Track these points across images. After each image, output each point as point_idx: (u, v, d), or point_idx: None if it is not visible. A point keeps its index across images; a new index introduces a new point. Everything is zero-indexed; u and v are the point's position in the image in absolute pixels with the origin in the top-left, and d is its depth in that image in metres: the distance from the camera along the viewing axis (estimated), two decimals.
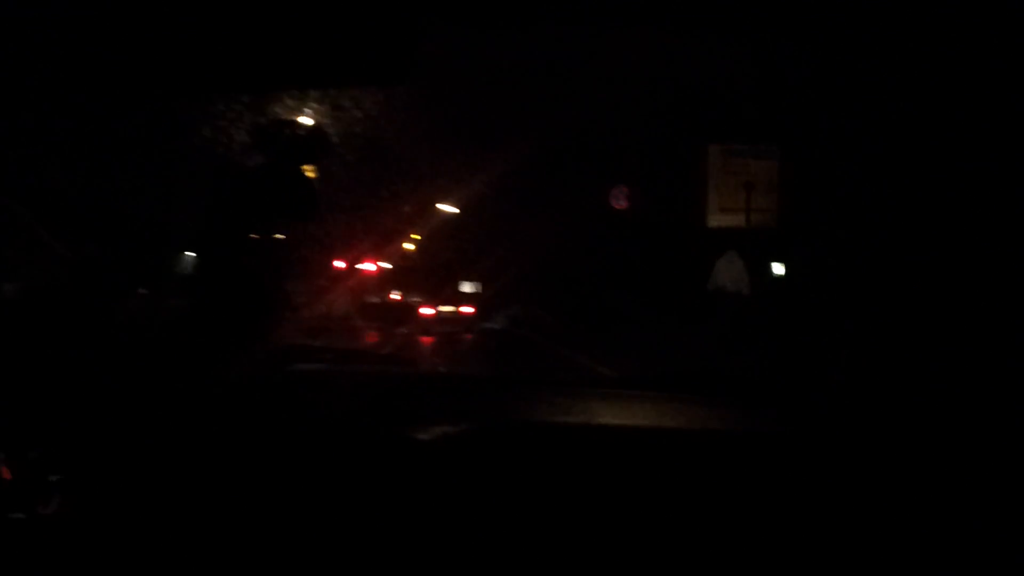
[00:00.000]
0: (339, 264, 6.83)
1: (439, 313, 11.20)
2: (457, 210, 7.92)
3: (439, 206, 7.68)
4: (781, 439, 1.51)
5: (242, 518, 1.45)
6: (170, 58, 1.11)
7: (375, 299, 10.13)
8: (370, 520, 1.43)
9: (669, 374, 1.95)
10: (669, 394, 1.78)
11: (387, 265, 8.94)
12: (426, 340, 10.02)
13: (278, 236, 1.90)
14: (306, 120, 1.75)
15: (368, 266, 8.05)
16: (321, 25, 1.07)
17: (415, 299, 10.92)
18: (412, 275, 9.92)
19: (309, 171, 1.72)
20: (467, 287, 11.13)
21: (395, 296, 10.88)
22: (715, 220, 3.39)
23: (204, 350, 2.04)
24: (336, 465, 1.48)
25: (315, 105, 2.07)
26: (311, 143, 1.71)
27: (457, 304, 11.11)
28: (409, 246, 8.54)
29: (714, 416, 1.64)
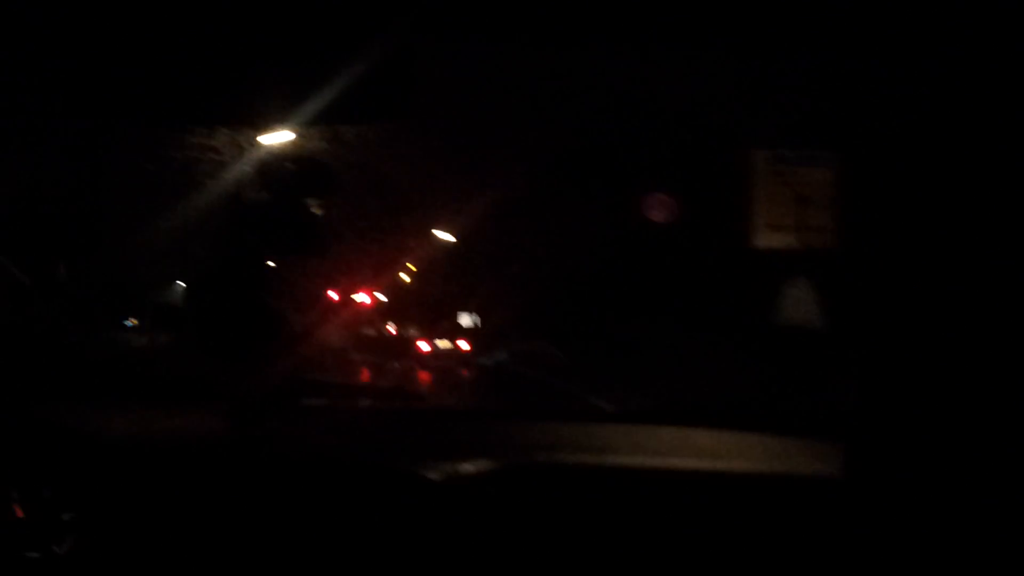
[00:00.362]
0: (332, 295, 6.90)
1: (435, 348, 11.25)
2: (454, 238, 7.99)
3: (436, 233, 7.76)
4: (801, 478, 1.56)
5: (253, 557, 1.53)
6: (174, 91, 1.20)
7: (371, 332, 10.19)
8: (380, 561, 1.50)
9: (671, 407, 2.02)
10: (675, 428, 1.86)
11: (382, 297, 9.01)
12: (423, 376, 10.05)
13: (269, 264, 1.98)
14: (311, 154, 1.84)
15: (363, 297, 8.12)
16: (325, 62, 1.16)
17: (412, 332, 10.98)
18: (408, 307, 9.98)
19: (315, 206, 1.81)
20: (466, 320, 11.18)
21: (391, 329, 10.95)
22: (762, 239, 2.99)
23: (211, 383, 2.12)
24: (345, 504, 1.56)
25: (317, 138, 2.17)
26: (317, 178, 1.81)
27: (454, 338, 11.16)
28: (405, 277, 8.62)
29: (720, 450, 1.70)
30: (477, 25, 1.42)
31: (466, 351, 11.37)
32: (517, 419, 2.15)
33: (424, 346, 11.18)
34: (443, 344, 11.37)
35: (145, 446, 1.71)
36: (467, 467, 1.58)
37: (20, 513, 1.50)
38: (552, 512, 1.53)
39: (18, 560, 1.47)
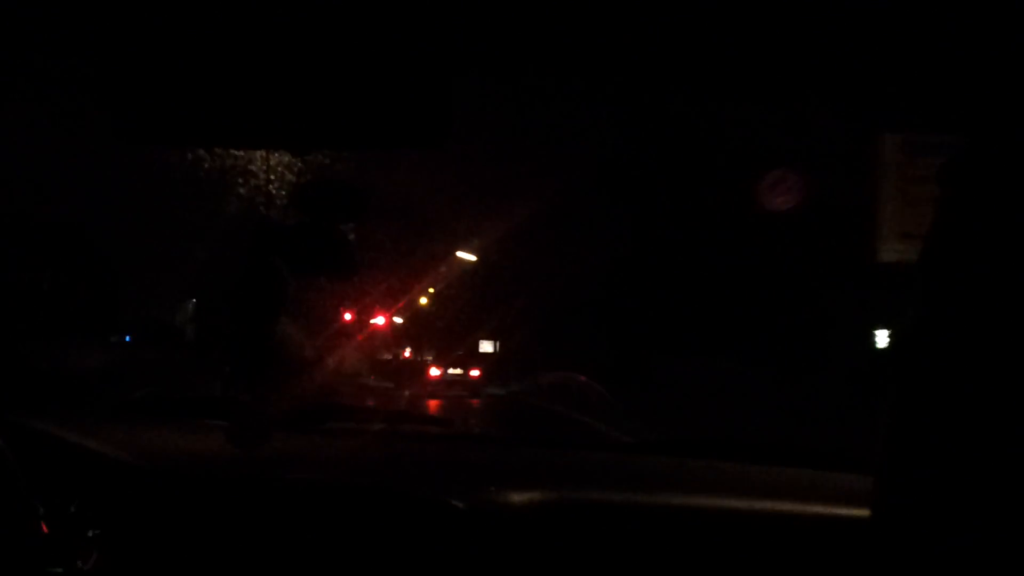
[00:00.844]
0: (347, 317, 6.99)
1: (446, 375, 11.37)
2: (475, 258, 8.06)
3: (459, 254, 7.84)
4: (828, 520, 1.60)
5: None
6: (207, 114, 1.27)
7: (387, 356, 10.34)
8: None
9: (696, 440, 2.06)
10: (699, 460, 1.92)
11: (399, 319, 9.13)
12: (432, 404, 10.14)
13: (290, 285, 2.06)
14: (337, 174, 1.94)
15: (379, 320, 8.23)
16: (362, 90, 1.23)
17: (427, 357, 11.13)
18: (426, 331, 10.12)
19: (346, 229, 1.91)
20: (487, 346, 11.32)
21: (406, 353, 11.12)
22: (891, 251, 2.47)
23: (232, 404, 2.22)
24: (367, 531, 1.63)
25: (342, 158, 2.26)
26: (349, 200, 1.91)
27: (468, 365, 11.29)
28: (423, 300, 8.73)
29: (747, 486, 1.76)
30: (506, 54, 1.47)
31: (476, 378, 11.49)
32: (540, 447, 2.21)
33: (435, 372, 11.31)
34: (454, 371, 11.50)
35: (161, 465, 1.80)
36: (495, 495, 1.64)
37: (45, 529, 1.59)
38: (579, 545, 1.60)
39: (41, 575, 1.56)
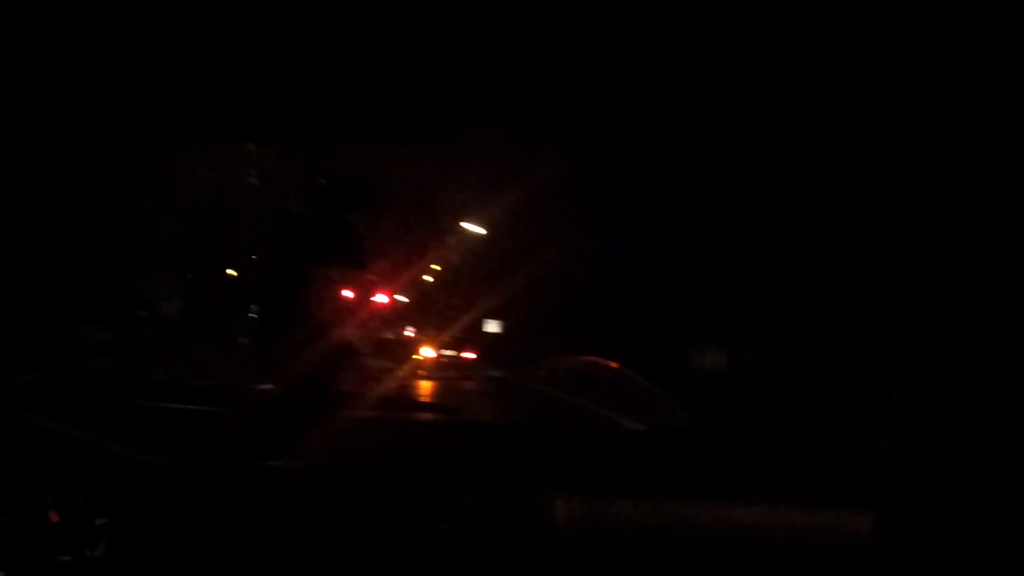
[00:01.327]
0: (347, 294, 7.02)
1: (440, 356, 11.44)
2: (484, 231, 8.05)
3: (464, 225, 7.80)
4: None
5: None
6: (222, 108, 1.34)
7: (389, 335, 10.43)
8: None
9: (712, 426, 2.11)
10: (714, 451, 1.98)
11: (402, 298, 9.17)
12: (423, 385, 10.20)
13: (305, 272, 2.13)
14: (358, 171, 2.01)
15: (381, 298, 8.27)
16: (375, 84, 1.29)
17: (422, 336, 11.22)
18: (430, 310, 10.18)
19: (359, 221, 1.99)
20: (492, 327, 11.42)
21: (409, 333, 11.22)
22: None
23: (250, 393, 2.29)
24: (367, 528, 1.71)
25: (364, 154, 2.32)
26: (363, 194, 1.99)
27: (462, 347, 11.36)
28: (428, 278, 8.77)
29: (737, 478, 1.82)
30: (517, 48, 1.52)
31: (471, 360, 11.55)
32: (547, 436, 2.27)
33: (429, 353, 11.38)
34: (448, 352, 11.58)
35: (168, 457, 1.88)
36: (505, 490, 1.71)
37: (55, 518, 1.67)
38: (589, 551, 1.67)
39: (50, 564, 1.64)
